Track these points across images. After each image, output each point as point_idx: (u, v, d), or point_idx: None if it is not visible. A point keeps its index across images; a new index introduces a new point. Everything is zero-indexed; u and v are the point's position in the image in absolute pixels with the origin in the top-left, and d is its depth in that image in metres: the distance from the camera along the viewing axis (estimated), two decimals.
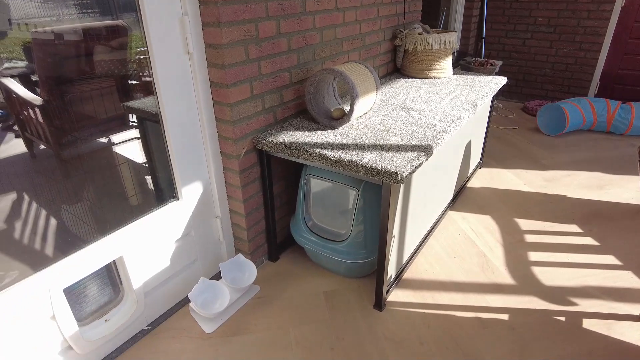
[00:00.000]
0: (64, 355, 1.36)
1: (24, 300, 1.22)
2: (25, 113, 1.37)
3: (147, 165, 1.66)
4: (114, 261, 1.47)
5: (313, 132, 1.69)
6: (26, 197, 1.34)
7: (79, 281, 1.41)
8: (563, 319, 1.63)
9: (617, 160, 2.93)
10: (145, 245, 1.52)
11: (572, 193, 2.53)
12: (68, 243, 1.40)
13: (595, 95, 3.85)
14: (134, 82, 1.57)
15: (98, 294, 1.50)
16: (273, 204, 1.83)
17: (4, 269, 1.26)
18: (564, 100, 3.33)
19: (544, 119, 3.41)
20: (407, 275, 1.87)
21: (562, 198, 2.48)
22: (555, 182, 2.66)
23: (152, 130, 1.61)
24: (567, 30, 3.76)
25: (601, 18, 3.58)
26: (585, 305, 1.69)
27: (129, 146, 1.60)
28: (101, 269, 1.46)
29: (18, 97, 1.35)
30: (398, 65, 2.60)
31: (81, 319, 1.44)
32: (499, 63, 3.67)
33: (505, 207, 2.40)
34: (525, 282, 1.82)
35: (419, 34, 2.42)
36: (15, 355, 1.23)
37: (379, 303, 1.66)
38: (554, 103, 3.32)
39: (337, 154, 1.48)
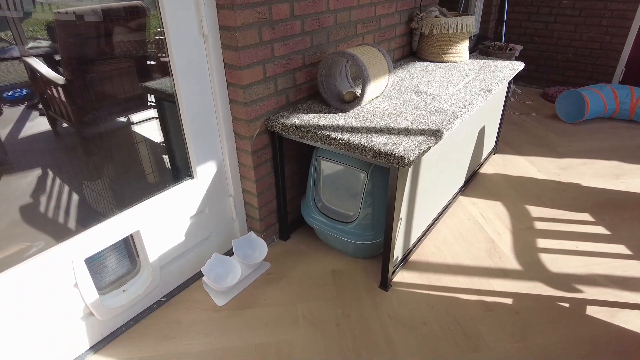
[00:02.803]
0: (85, 320, 1.45)
1: (50, 268, 1.30)
2: (49, 92, 1.43)
3: (164, 144, 1.72)
4: (131, 235, 1.55)
5: (324, 114, 1.71)
6: (51, 173, 1.42)
7: (99, 253, 1.49)
8: (567, 305, 1.65)
9: (637, 149, 2.87)
10: (162, 221, 1.59)
11: (586, 182, 2.50)
12: (89, 217, 1.48)
13: (620, 82, 3.74)
14: (152, 62, 1.62)
15: (116, 266, 1.58)
16: (284, 184, 1.88)
17: (30, 239, 1.35)
18: (585, 87, 3.25)
19: (563, 105, 3.34)
20: (413, 257, 1.90)
21: (576, 186, 2.45)
22: (570, 170, 2.63)
23: (169, 111, 1.67)
24: (593, 14, 3.64)
25: (630, 1, 3.45)
26: (590, 292, 1.71)
27: (147, 125, 1.66)
28: (119, 242, 1.54)
29: (42, 76, 1.40)
30: (413, 48, 2.58)
31: (101, 289, 1.53)
32: (518, 47, 3.58)
33: (516, 194, 2.40)
34: (532, 269, 1.84)
35: (436, 17, 2.39)
36: (43, 319, 1.32)
37: (385, 283, 1.71)
38: (574, 90, 3.24)
39: (347, 136, 1.51)
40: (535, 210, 2.24)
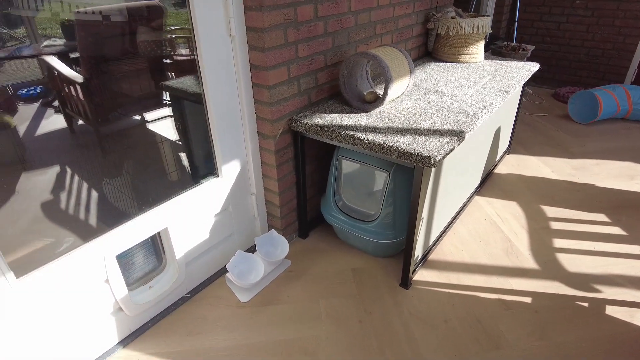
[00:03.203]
0: (115, 315, 1.48)
1: (83, 264, 1.33)
2: (66, 90, 1.45)
3: (179, 142, 1.73)
4: (158, 232, 1.58)
5: (346, 115, 1.74)
6: (69, 170, 1.43)
7: (128, 250, 1.52)
8: (586, 304, 1.67)
9: None
10: (188, 218, 1.62)
11: (601, 182, 2.51)
12: (110, 214, 1.51)
13: (632, 83, 3.74)
14: (170, 61, 1.64)
15: (144, 263, 1.61)
16: (305, 183, 1.91)
17: (53, 235, 1.37)
18: (597, 88, 3.26)
19: (576, 106, 3.35)
20: (432, 256, 1.93)
21: (590, 187, 2.47)
22: (583, 170, 2.65)
23: (188, 109, 1.69)
24: (606, 14, 3.64)
25: None
26: (608, 292, 1.72)
27: (161, 124, 1.68)
28: (147, 239, 1.57)
29: (60, 74, 1.42)
30: (429, 49, 2.59)
31: (129, 285, 1.56)
32: (531, 48, 3.59)
33: (531, 194, 2.41)
34: (549, 268, 1.86)
35: (452, 17, 2.41)
36: (76, 313, 1.36)
37: (406, 281, 1.73)
38: (587, 90, 3.25)
39: (371, 137, 1.53)
40: (550, 210, 2.26)
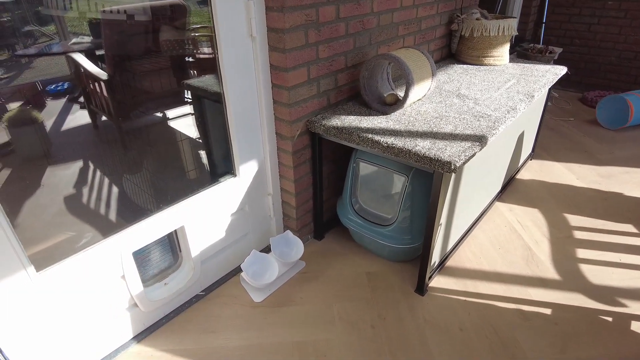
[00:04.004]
0: (130, 311, 1.50)
1: (101, 260, 1.36)
2: (91, 86, 1.48)
3: (199, 139, 1.75)
4: (175, 230, 1.59)
5: (365, 117, 1.72)
6: (92, 165, 1.46)
7: (145, 246, 1.54)
8: (610, 319, 1.61)
9: None
10: (205, 217, 1.63)
11: (629, 191, 2.42)
12: (129, 210, 1.53)
13: None
14: (193, 59, 1.65)
15: (160, 260, 1.63)
16: (322, 185, 1.90)
17: (75, 229, 1.40)
18: (629, 92, 3.14)
19: (604, 110, 3.23)
20: (450, 263, 1.89)
21: (618, 196, 2.38)
22: (611, 178, 2.55)
23: (209, 108, 1.70)
24: (639, 15, 3.50)
25: None
26: (635, 307, 1.66)
27: (182, 121, 1.69)
28: (164, 236, 1.59)
29: (86, 71, 1.45)
30: (452, 50, 2.54)
31: (144, 281, 1.58)
32: (558, 50, 3.49)
33: (554, 201, 2.34)
34: (572, 279, 1.80)
35: (477, 19, 2.35)
36: (93, 307, 1.38)
37: (421, 287, 1.71)
38: (618, 94, 3.14)
39: (390, 140, 1.51)
40: (574, 219, 2.19)
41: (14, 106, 1.25)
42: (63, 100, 1.39)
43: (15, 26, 1.18)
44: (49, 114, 1.35)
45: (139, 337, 1.55)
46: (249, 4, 1.45)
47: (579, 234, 2.08)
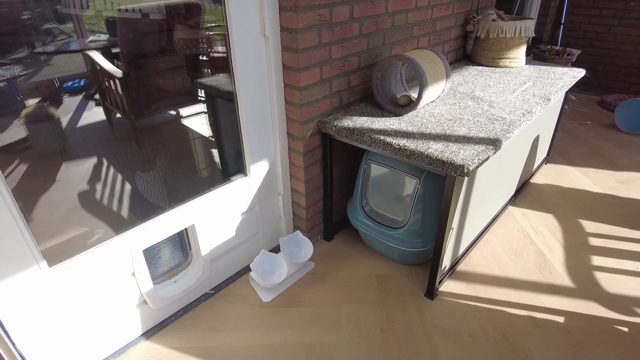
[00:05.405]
0: (140, 308, 1.52)
1: (111, 256, 1.37)
2: (107, 84, 1.49)
3: (212, 138, 1.75)
4: (185, 228, 1.60)
5: (377, 118, 1.70)
6: (105, 162, 1.47)
7: (155, 244, 1.55)
8: (625, 329, 1.57)
9: None
10: (215, 216, 1.64)
11: None
12: (142, 207, 1.54)
13: None
14: (207, 58, 1.65)
15: (170, 258, 1.64)
16: (332, 185, 1.89)
17: (87, 225, 1.42)
18: None
19: (624, 114, 3.16)
20: (461, 267, 1.86)
21: (636, 202, 2.32)
22: (629, 184, 2.49)
23: (221, 107, 1.70)
24: None
25: None
26: None
27: (195, 120, 1.70)
28: (174, 234, 1.60)
29: (101, 68, 1.46)
30: (468, 52, 2.51)
31: (154, 279, 1.59)
32: (576, 52, 3.42)
33: (569, 206, 2.30)
34: (586, 287, 1.76)
35: (493, 20, 2.32)
36: (103, 303, 1.40)
37: (431, 292, 1.68)
38: (637, 98, 3.06)
39: (402, 142, 1.49)
40: (589, 225, 2.14)
41: (31, 102, 1.27)
42: (79, 97, 1.41)
43: (35, 24, 1.19)
44: (65, 111, 1.37)
45: (148, 334, 1.56)
46: (262, 4, 1.45)
47: (594, 241, 2.03)
